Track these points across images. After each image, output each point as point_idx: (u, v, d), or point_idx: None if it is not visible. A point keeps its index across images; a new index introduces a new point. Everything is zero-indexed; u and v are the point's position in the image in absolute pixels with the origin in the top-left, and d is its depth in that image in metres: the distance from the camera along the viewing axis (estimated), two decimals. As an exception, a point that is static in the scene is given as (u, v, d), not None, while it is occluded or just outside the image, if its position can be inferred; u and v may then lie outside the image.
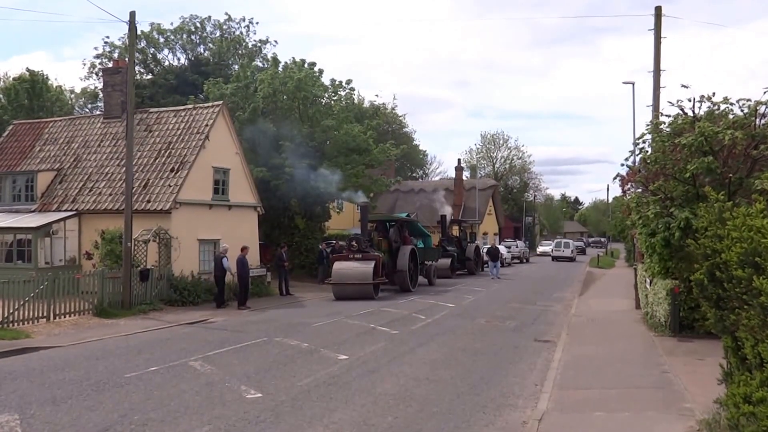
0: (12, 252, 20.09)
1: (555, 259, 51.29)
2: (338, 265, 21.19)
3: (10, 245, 20.18)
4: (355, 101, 35.14)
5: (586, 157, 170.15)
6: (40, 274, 16.92)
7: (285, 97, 28.09)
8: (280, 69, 29.20)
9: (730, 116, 12.54)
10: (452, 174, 56.93)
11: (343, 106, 30.13)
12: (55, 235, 20.24)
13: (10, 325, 13.69)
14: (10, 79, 37.20)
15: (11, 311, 13.93)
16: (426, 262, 27.14)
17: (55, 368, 9.97)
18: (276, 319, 16.11)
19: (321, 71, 29.24)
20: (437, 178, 66.26)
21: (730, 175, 11.55)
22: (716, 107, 12.90)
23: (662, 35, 17.20)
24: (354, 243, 21.62)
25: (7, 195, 22.49)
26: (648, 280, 14.84)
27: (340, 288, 20.76)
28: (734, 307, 5.38)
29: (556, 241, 57.97)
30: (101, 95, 31.65)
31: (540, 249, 64.16)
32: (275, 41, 59.03)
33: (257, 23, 53.48)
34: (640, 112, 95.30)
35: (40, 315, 14.61)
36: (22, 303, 14.23)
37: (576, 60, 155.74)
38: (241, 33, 40.99)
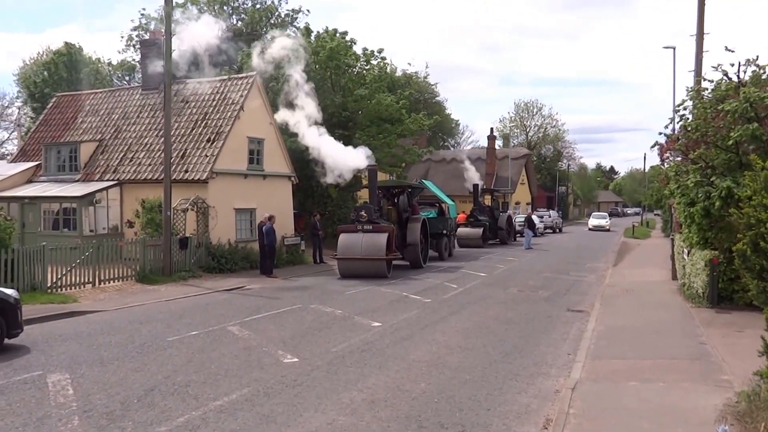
0: (58, 220, 20.90)
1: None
2: (345, 238, 18.29)
3: (56, 213, 21.00)
4: (388, 71, 34.76)
5: (622, 125, 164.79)
6: (85, 241, 17.57)
7: (317, 66, 27.98)
8: (312, 38, 29.04)
9: (778, 80, 11.99)
10: (483, 143, 56.04)
11: (376, 75, 29.86)
12: (98, 203, 20.94)
13: (59, 290, 14.37)
14: (51, 52, 38.01)
15: (59, 276, 14.61)
16: (444, 232, 24.48)
17: (102, 331, 10.44)
18: (310, 286, 16.43)
19: (353, 41, 28.98)
20: (468, 147, 65.28)
21: (777, 142, 11.09)
22: (762, 71, 12.33)
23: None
24: (363, 213, 18.66)
25: (53, 165, 23.26)
26: (685, 251, 14.51)
27: (348, 264, 18.04)
28: (778, 279, 5.26)
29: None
30: (138, 67, 32.15)
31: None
32: (308, 10, 58.57)
33: (287, -9, 53.02)
34: (680, 78, 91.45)
35: (86, 280, 15.26)
36: (69, 269, 14.90)
37: (611, 22, 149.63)
38: (273, 2, 40.80)
